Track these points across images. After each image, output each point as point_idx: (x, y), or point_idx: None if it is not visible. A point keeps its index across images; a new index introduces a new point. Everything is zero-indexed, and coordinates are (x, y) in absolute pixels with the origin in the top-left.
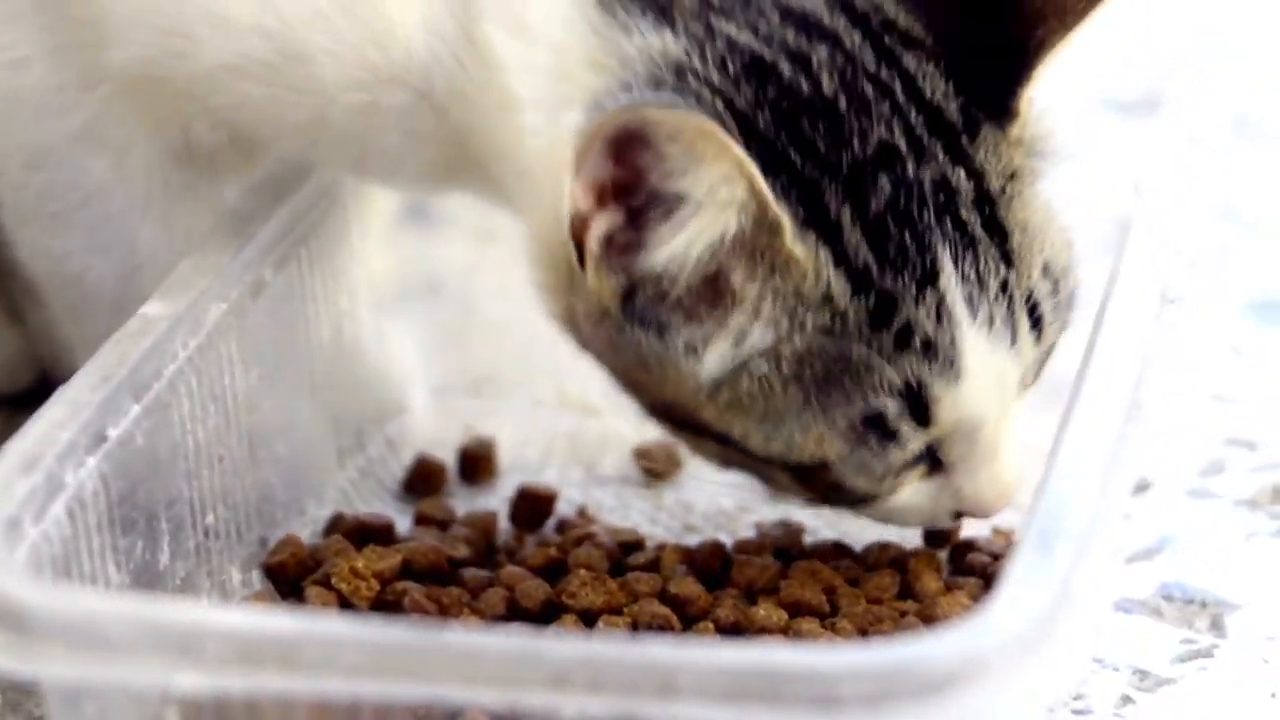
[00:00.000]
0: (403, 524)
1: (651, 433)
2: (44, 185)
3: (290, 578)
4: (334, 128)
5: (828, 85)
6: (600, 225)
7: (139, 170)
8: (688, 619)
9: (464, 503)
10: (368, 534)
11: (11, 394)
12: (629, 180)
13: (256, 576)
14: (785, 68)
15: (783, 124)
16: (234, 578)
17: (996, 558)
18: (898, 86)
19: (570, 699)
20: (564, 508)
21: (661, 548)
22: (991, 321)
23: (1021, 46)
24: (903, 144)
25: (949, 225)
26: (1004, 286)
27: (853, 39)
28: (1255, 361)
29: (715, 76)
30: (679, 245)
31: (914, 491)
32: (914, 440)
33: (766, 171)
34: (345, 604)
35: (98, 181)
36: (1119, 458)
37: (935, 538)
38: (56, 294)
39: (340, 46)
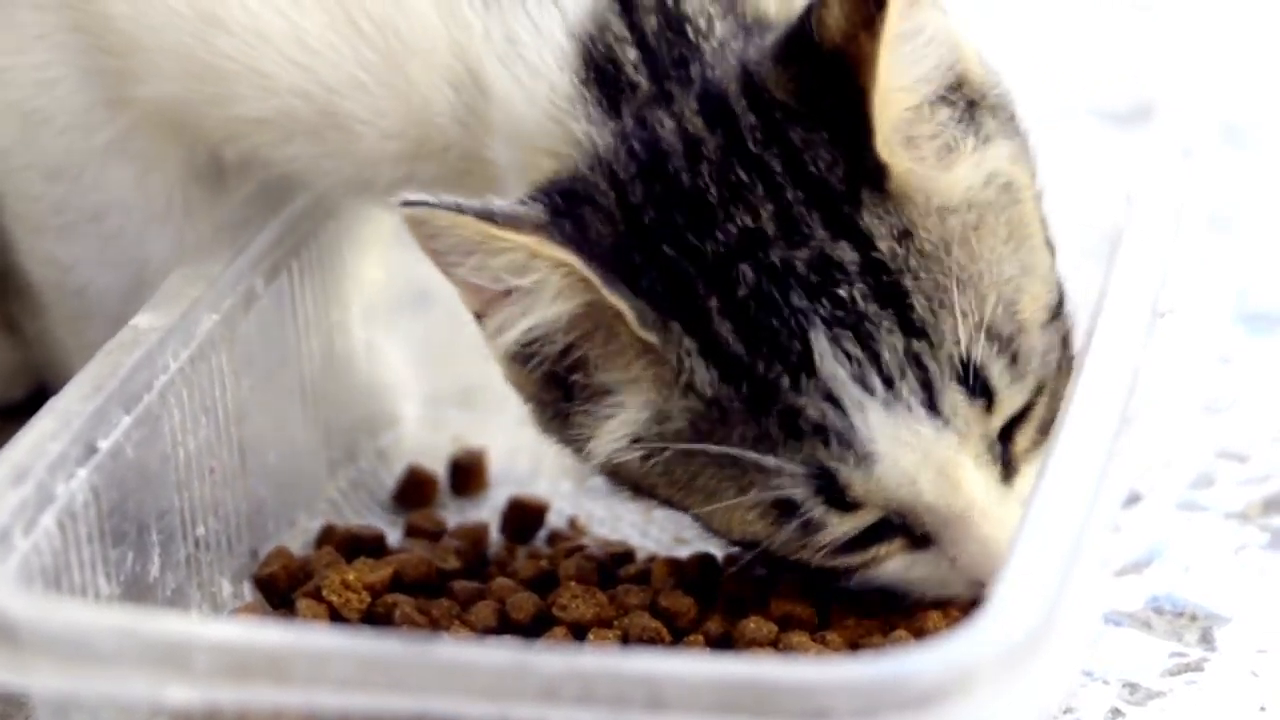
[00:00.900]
0: (393, 535)
1: None
2: (61, 197)
3: (281, 589)
4: (375, 188)
5: (704, 176)
6: (490, 323)
7: (160, 187)
8: (678, 631)
9: (455, 514)
10: (358, 546)
11: (6, 404)
12: (474, 284)
13: (247, 588)
14: (677, 159)
15: (662, 216)
16: (224, 589)
17: None
18: (777, 166)
19: (560, 712)
20: (555, 519)
21: (652, 560)
22: (896, 398)
23: (851, 94)
24: (771, 228)
25: (825, 305)
26: (912, 358)
27: (747, 120)
28: (1246, 373)
29: (622, 171)
30: (523, 328)
31: (910, 563)
32: (839, 523)
33: (646, 263)
34: (336, 616)
35: (117, 196)
36: (1109, 470)
37: None
38: (58, 304)
39: (379, 119)
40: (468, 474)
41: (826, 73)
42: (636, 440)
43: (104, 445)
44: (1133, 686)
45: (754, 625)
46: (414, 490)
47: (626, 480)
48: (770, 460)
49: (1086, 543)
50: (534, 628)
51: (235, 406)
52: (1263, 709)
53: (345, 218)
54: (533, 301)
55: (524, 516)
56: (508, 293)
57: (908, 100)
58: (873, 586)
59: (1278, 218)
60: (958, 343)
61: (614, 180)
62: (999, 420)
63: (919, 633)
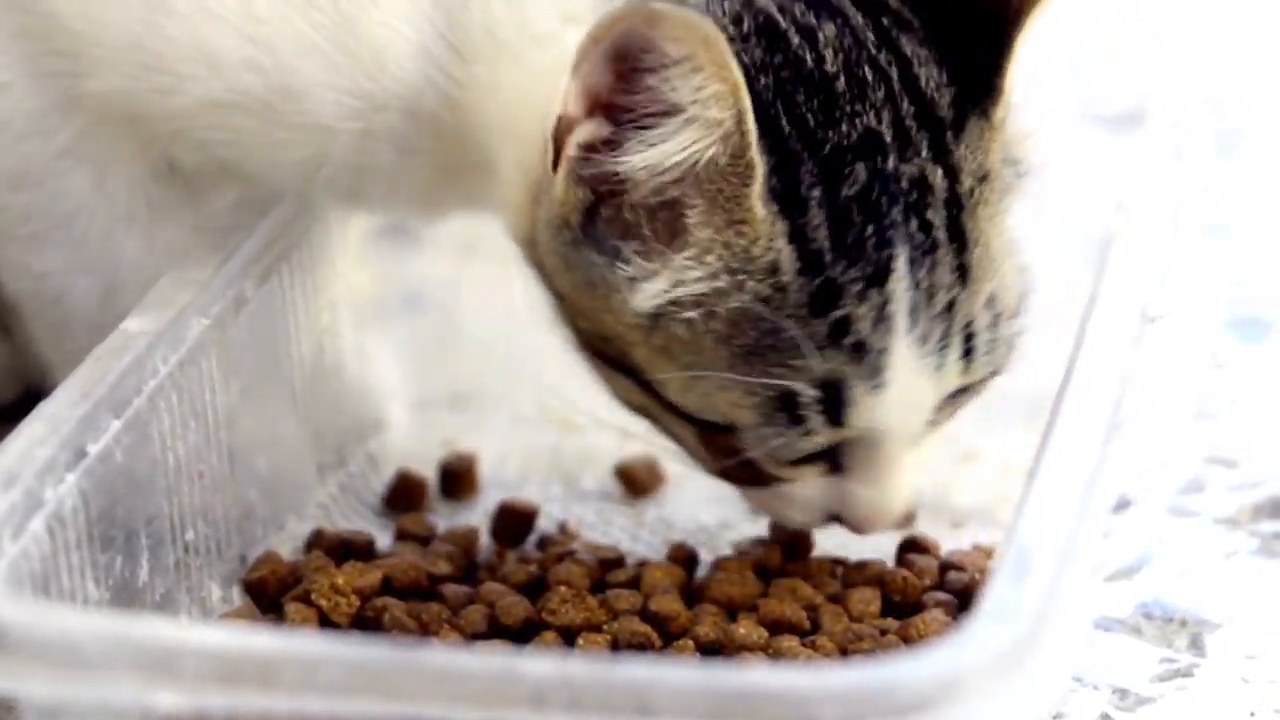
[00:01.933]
0: (383, 540)
1: (634, 448)
2: (25, 205)
3: (270, 594)
4: (331, 161)
5: (830, 62)
6: (583, 132)
7: (121, 188)
8: (668, 636)
9: (445, 518)
10: (348, 550)
11: None
12: (624, 91)
13: (236, 593)
14: (794, 37)
15: (781, 91)
16: (214, 594)
17: (977, 576)
18: (894, 73)
19: (550, 717)
20: (545, 523)
21: (642, 564)
22: (926, 339)
23: (999, 18)
24: (889, 134)
25: (914, 226)
26: (950, 305)
27: (858, 19)
28: (1236, 378)
29: (732, 27)
30: (654, 156)
31: (808, 485)
32: (821, 434)
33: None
34: (325, 620)
35: (79, 201)
36: (1099, 476)
37: (912, 552)
38: (37, 314)
39: (335, 77)
40: (458, 478)
41: None
42: (694, 298)
43: (93, 450)
44: (1123, 692)
45: (744, 630)
46: (404, 494)
47: (617, 347)
48: (804, 358)
49: (1077, 548)
50: (524, 632)
51: (225, 411)
52: (1253, 715)
53: (335, 221)
54: (697, 134)
55: (514, 521)
56: (661, 114)
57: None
58: (761, 503)
59: (1269, 223)
60: (976, 300)
61: (726, 33)
62: (959, 386)
63: (909, 639)
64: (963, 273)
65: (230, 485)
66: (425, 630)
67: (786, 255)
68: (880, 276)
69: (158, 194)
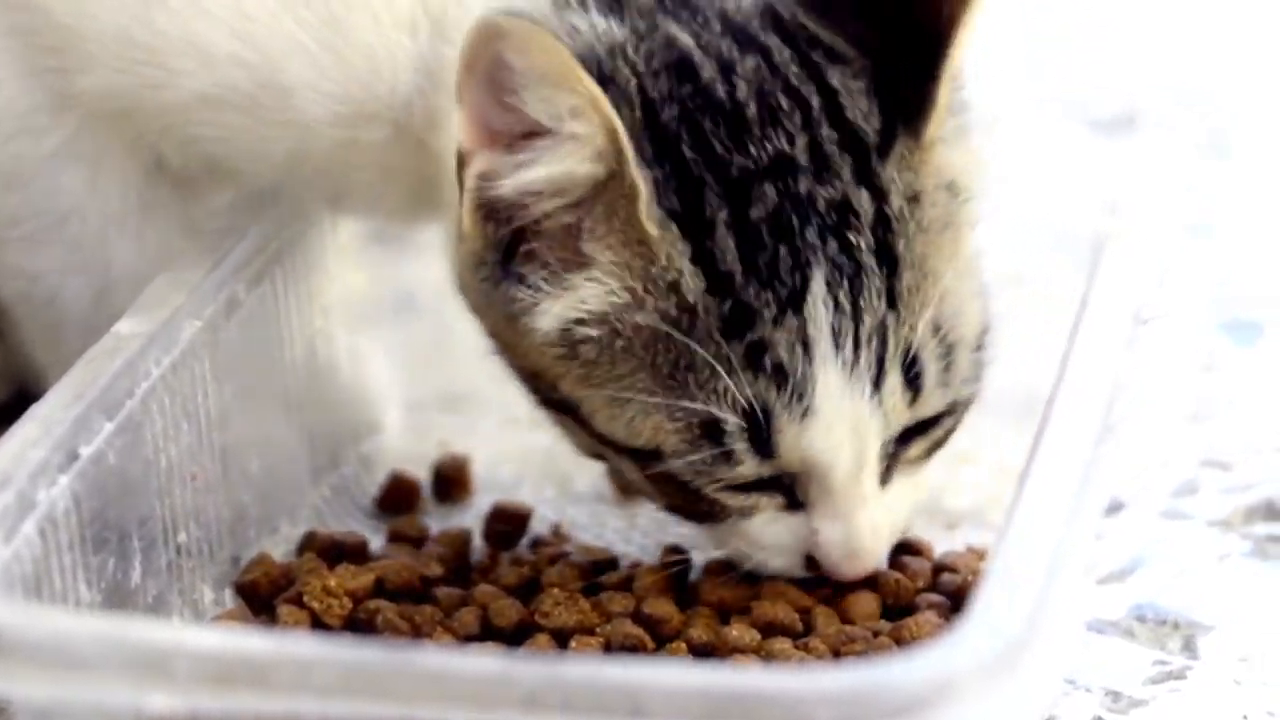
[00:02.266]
0: (376, 542)
1: None
2: (17, 206)
3: (263, 596)
4: (313, 163)
5: (742, 92)
6: (479, 163)
7: (113, 187)
8: (661, 639)
9: (438, 520)
10: (341, 552)
11: None
12: (500, 115)
13: (229, 595)
14: (708, 70)
15: (687, 119)
16: (206, 596)
17: (970, 578)
18: (815, 102)
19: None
20: (538, 525)
21: (635, 566)
22: (855, 363)
23: (930, 38)
24: (804, 158)
25: (834, 248)
26: (879, 329)
27: (782, 54)
28: (1229, 381)
29: (641, 64)
30: (528, 178)
31: (770, 521)
32: (750, 464)
33: (657, 158)
34: (318, 623)
35: (72, 200)
36: (1091, 478)
37: (905, 554)
38: (30, 316)
39: (322, 81)
40: (451, 480)
41: (880, 23)
42: (595, 317)
43: (85, 452)
44: (1115, 695)
45: (737, 632)
46: (397, 496)
47: (532, 357)
48: (723, 382)
49: (1069, 551)
50: (517, 635)
51: (218, 413)
52: (1245, 717)
53: (329, 224)
54: (566, 153)
55: (507, 523)
56: (529, 136)
57: (958, 69)
58: (725, 542)
59: (1261, 225)
60: (914, 329)
61: (634, 70)
62: (911, 420)
63: (902, 640)
64: (893, 297)
65: (223, 487)
66: (418, 632)
67: (690, 276)
68: (796, 299)
69: (150, 193)
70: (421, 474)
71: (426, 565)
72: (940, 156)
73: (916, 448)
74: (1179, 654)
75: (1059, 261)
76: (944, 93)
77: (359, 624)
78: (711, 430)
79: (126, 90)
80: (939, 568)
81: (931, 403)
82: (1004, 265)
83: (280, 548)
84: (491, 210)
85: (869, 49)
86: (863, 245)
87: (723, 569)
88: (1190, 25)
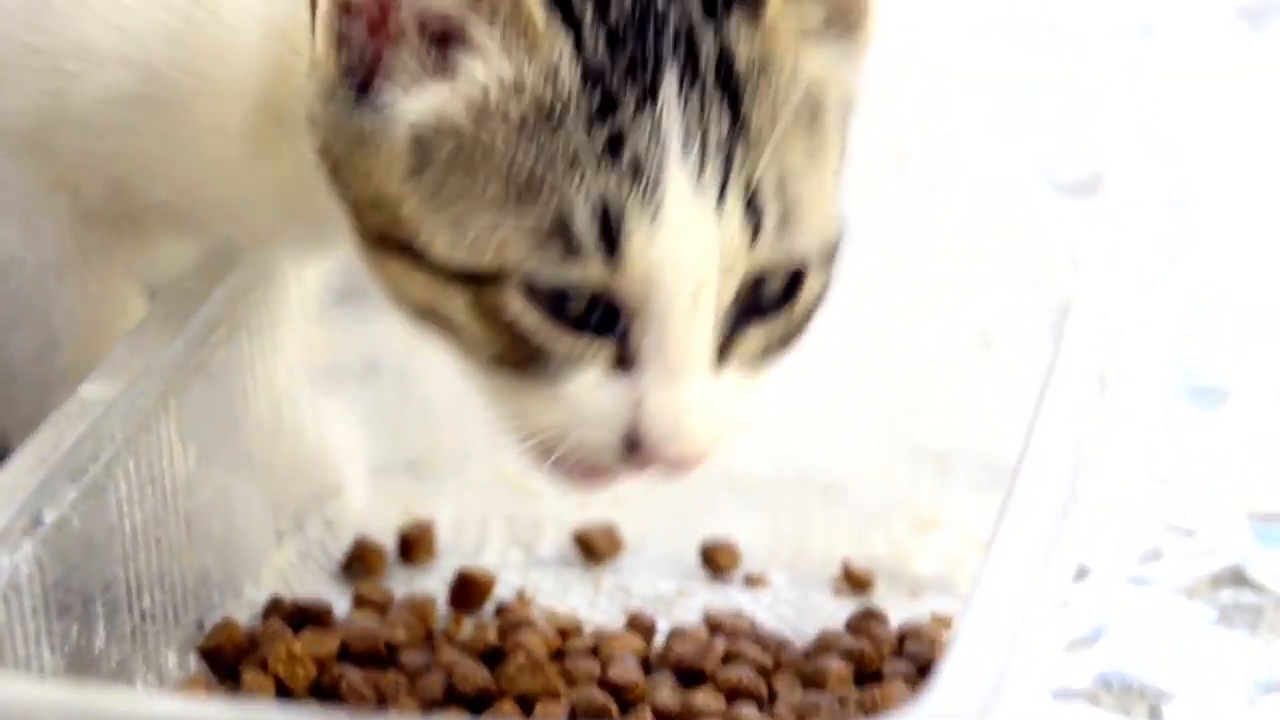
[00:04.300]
0: (341, 605)
1: (593, 514)
2: None
3: (227, 661)
4: (213, 180)
5: None
6: None
7: (49, 233)
8: (626, 704)
9: (403, 584)
10: (305, 617)
11: None
12: None
13: (193, 660)
14: None
15: None
16: (170, 661)
17: (935, 645)
18: None
19: None
20: (503, 590)
21: (599, 632)
22: (700, 172)
23: None
24: None
25: (682, 57)
26: (724, 145)
27: None
28: (1195, 445)
29: None
30: None
31: (595, 386)
32: (596, 265)
33: None
34: (282, 688)
35: (8, 250)
36: (1057, 545)
37: (869, 621)
38: None
39: (199, 68)
40: (416, 544)
41: None
42: (457, 119)
43: (49, 518)
44: None
45: (703, 698)
46: (362, 560)
47: (376, 180)
48: (580, 177)
49: (1035, 618)
50: (481, 701)
51: (183, 477)
52: None
53: (293, 286)
54: None
55: (472, 588)
56: None
57: None
58: (545, 414)
59: (1225, 288)
60: (756, 164)
61: None
62: (748, 267)
63: (868, 708)
64: (735, 125)
65: (187, 551)
66: (383, 699)
67: (568, 65)
68: (652, 93)
69: (90, 238)
70: (386, 537)
71: (391, 631)
72: (788, 43)
73: (754, 338)
74: None
75: (1025, 326)
76: None
77: (324, 690)
78: (562, 229)
79: (32, 105)
80: (904, 635)
81: (765, 248)
82: (971, 328)
83: (245, 611)
84: (344, 36)
85: None
86: (708, 69)
87: (688, 634)
88: (1155, 86)
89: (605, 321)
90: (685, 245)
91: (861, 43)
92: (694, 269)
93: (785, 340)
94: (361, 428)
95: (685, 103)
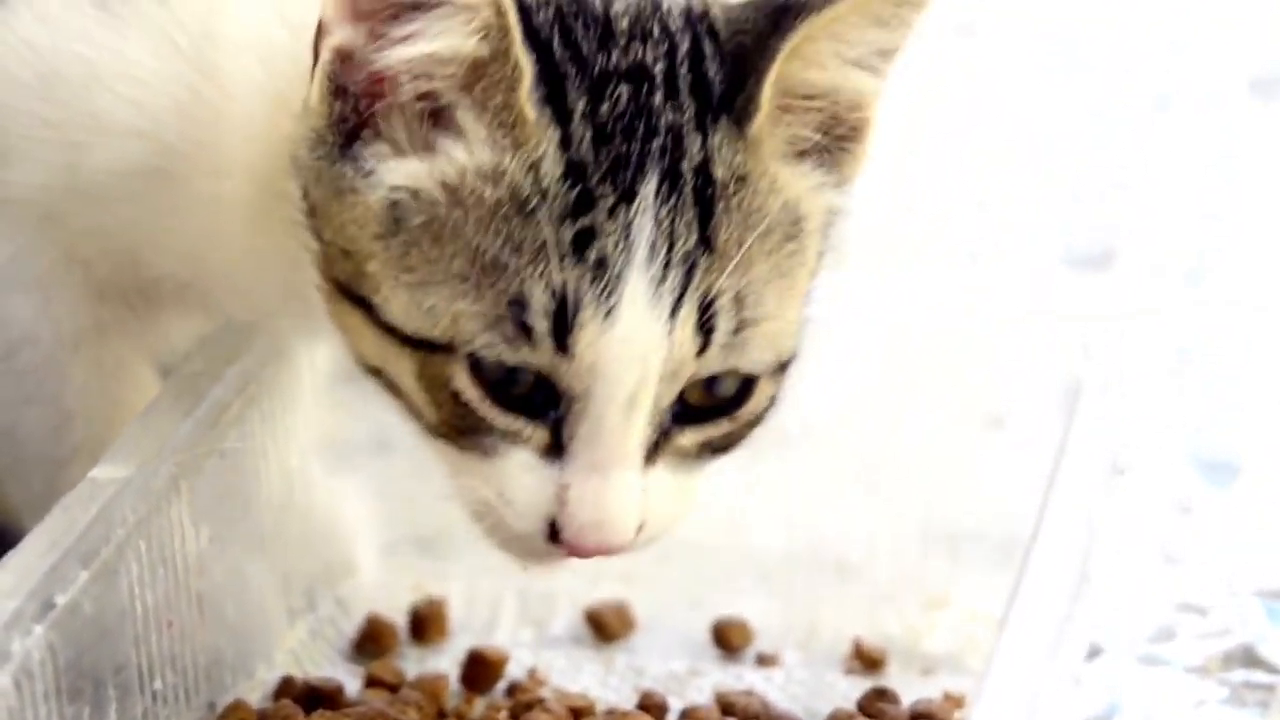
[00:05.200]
0: (353, 685)
1: (604, 592)
2: None
3: None
4: (218, 251)
5: (617, 9)
6: (338, 36)
7: (64, 308)
8: None
9: (415, 663)
10: (317, 698)
11: None
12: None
13: None
14: None
15: (560, 20)
16: None
17: None
18: (683, 44)
19: None
20: (514, 669)
21: (611, 712)
22: (661, 281)
23: (766, 36)
24: (659, 78)
25: (667, 165)
26: (688, 258)
27: (669, 3)
28: (1205, 523)
29: None
30: (412, 50)
31: (525, 468)
32: (544, 350)
33: (529, 47)
34: None
35: (24, 325)
36: (1069, 624)
37: (881, 702)
38: None
39: (194, 131)
40: (427, 622)
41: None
42: (435, 192)
43: (61, 601)
44: None
45: None
46: (374, 639)
47: (348, 233)
48: (545, 264)
49: (1047, 696)
50: None
51: (195, 558)
52: None
53: (305, 366)
54: (452, 27)
55: (484, 668)
56: (411, 9)
57: (806, 86)
58: (477, 487)
59: (1235, 364)
60: (717, 279)
61: None
62: (694, 372)
63: None
64: (705, 240)
65: (199, 633)
66: None
67: (553, 159)
68: (629, 196)
69: (105, 313)
70: (398, 616)
71: (403, 711)
72: (770, 161)
73: (689, 437)
74: None
75: (1036, 405)
76: (766, 98)
77: None
78: (517, 312)
79: (46, 178)
80: (917, 714)
81: (715, 361)
82: (984, 408)
83: (256, 693)
84: (341, 88)
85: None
86: (688, 178)
87: (701, 714)
88: (1165, 163)
89: (544, 406)
90: (633, 347)
91: (854, 164)
92: (637, 370)
93: (727, 442)
94: (373, 505)
95: (659, 209)
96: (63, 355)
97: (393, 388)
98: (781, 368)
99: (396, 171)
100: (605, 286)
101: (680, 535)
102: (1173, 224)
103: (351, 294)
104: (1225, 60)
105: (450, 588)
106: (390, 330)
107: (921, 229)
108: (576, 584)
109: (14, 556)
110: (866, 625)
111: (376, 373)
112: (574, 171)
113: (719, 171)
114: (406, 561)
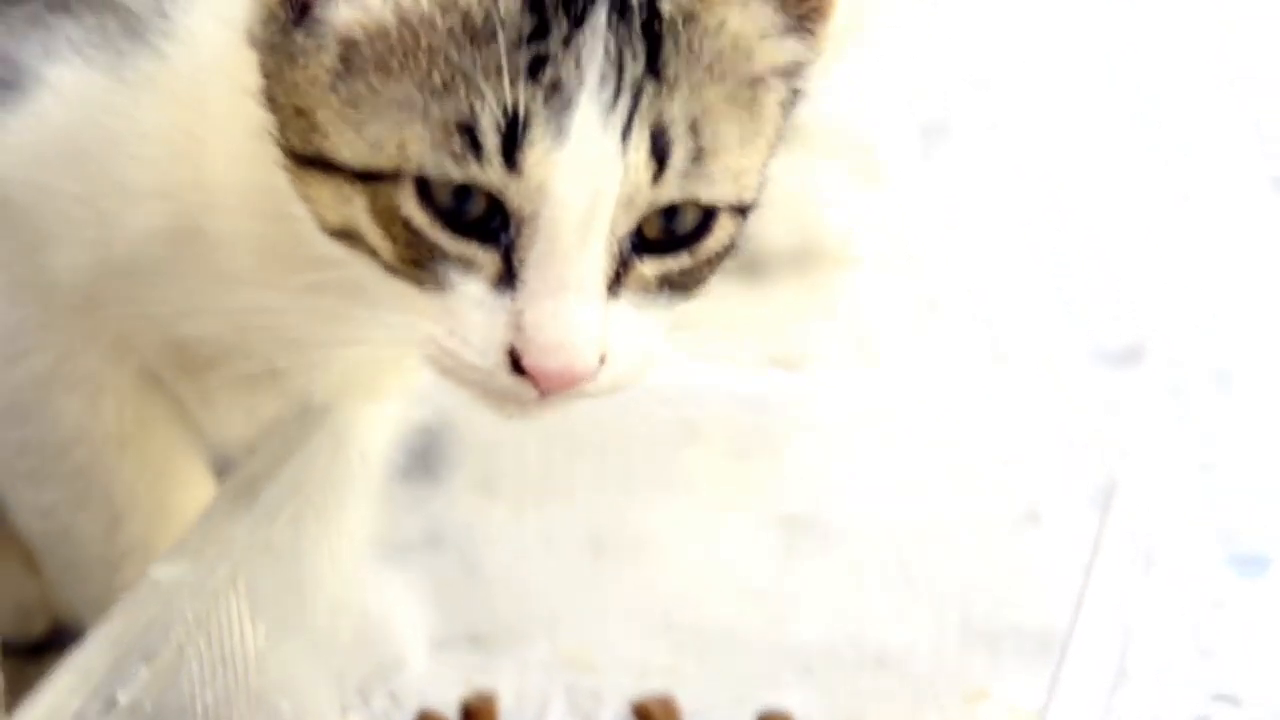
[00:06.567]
0: None
1: (650, 686)
2: (22, 439)
3: None
4: (230, 285)
5: None
6: None
7: (111, 407)
8: None
9: None
10: None
11: (24, 643)
12: None
13: None
14: None
15: None
16: None
17: None
18: None
19: None
20: None
21: None
22: (611, 106)
23: None
24: None
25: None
26: (636, 85)
27: None
28: (1238, 615)
29: None
30: None
31: (479, 301)
32: (493, 167)
33: None
34: None
35: (72, 427)
36: (1107, 717)
37: None
38: (50, 552)
39: (194, 173)
40: (478, 716)
41: None
42: (390, 23)
43: (124, 700)
44: None
45: None
46: None
47: (301, 89)
48: (499, 85)
49: None
50: None
51: (253, 655)
52: None
53: (356, 461)
54: None
55: None
56: None
57: None
58: (432, 324)
59: (1265, 458)
60: (667, 108)
61: None
62: (651, 200)
63: None
64: (654, 69)
65: None
66: None
67: None
68: (579, 22)
69: (149, 408)
70: (449, 711)
71: None
72: (719, 5)
73: (649, 266)
74: None
75: (1071, 501)
76: None
77: None
78: (466, 129)
79: (83, 258)
80: None
81: (672, 187)
82: (1020, 505)
83: None
84: None
85: None
86: (636, 10)
87: None
88: (1196, 257)
89: (496, 231)
90: (583, 167)
91: (817, 20)
92: (589, 192)
93: (686, 280)
94: (423, 601)
95: (609, 38)
96: (110, 453)
97: (357, 242)
98: (742, 211)
99: (349, 7)
100: (555, 107)
101: (724, 629)
102: (1200, 320)
103: (308, 157)
104: (1246, 159)
105: (500, 682)
106: (342, 174)
107: (949, 326)
108: (623, 678)
109: (76, 656)
110: (907, 718)
111: (343, 234)
112: (533, 2)
113: (666, 6)
114: (457, 656)
